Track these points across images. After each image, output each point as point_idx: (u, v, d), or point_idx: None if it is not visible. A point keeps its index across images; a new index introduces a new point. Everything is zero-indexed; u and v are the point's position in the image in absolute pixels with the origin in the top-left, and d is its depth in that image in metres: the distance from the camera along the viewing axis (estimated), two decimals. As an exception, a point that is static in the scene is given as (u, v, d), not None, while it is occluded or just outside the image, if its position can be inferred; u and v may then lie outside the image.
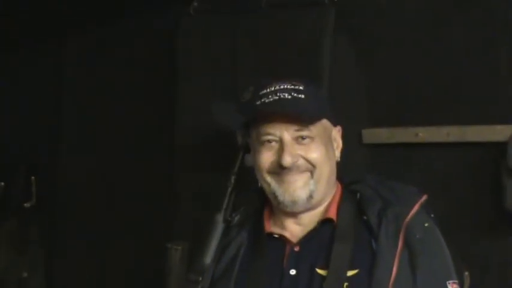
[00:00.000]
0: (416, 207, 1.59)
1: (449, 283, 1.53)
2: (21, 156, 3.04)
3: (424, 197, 1.63)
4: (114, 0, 2.61)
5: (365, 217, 1.59)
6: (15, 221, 3.04)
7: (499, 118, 2.00)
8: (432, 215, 1.65)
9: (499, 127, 1.95)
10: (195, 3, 2.34)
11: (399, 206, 1.59)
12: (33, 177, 2.97)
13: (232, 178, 1.72)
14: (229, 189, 1.72)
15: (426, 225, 1.59)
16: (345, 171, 1.93)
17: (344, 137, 1.90)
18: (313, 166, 1.58)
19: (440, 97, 2.14)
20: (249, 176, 1.75)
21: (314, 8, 2.14)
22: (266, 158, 1.59)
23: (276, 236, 1.64)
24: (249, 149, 1.71)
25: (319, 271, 1.55)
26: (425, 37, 2.18)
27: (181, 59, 2.43)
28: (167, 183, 2.60)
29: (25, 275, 3.00)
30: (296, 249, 1.60)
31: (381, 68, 2.20)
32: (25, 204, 2.96)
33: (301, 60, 2.18)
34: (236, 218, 1.73)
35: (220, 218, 1.70)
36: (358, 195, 1.65)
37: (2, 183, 3.00)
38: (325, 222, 1.61)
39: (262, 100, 1.59)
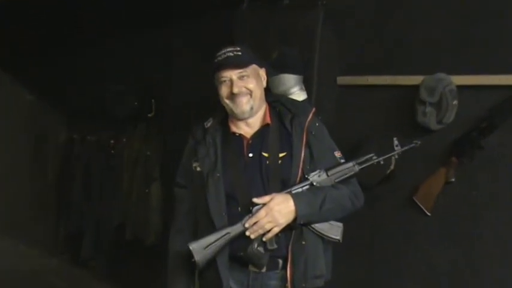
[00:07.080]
0: (310, 116, 2.03)
1: (336, 152, 2.06)
2: (148, 90, 4.19)
3: (314, 109, 2.05)
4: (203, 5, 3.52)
5: (285, 123, 2.02)
6: (144, 123, 4.18)
7: (412, 71, 2.55)
8: (320, 118, 2.07)
9: (414, 77, 2.53)
10: (244, 5, 3.17)
11: (302, 116, 2.01)
12: (152, 100, 4.08)
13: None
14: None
15: (317, 125, 2.04)
16: (328, 100, 2.77)
17: (329, 81, 2.78)
18: (251, 91, 1.98)
19: (380, 57, 2.69)
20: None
21: (312, 8, 2.86)
22: (224, 90, 2.00)
23: (237, 134, 2.04)
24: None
25: (264, 154, 1.99)
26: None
27: (236, 34, 3.25)
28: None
29: (148, 153, 4.06)
30: (250, 142, 2.01)
31: (349, 43, 2.83)
32: (149, 115, 4.09)
33: (304, 40, 2.85)
34: (209, 124, 2.09)
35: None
36: (278, 109, 2.07)
37: (136, 103, 4.09)
38: (265, 126, 2.03)
39: (218, 59, 1.99)
